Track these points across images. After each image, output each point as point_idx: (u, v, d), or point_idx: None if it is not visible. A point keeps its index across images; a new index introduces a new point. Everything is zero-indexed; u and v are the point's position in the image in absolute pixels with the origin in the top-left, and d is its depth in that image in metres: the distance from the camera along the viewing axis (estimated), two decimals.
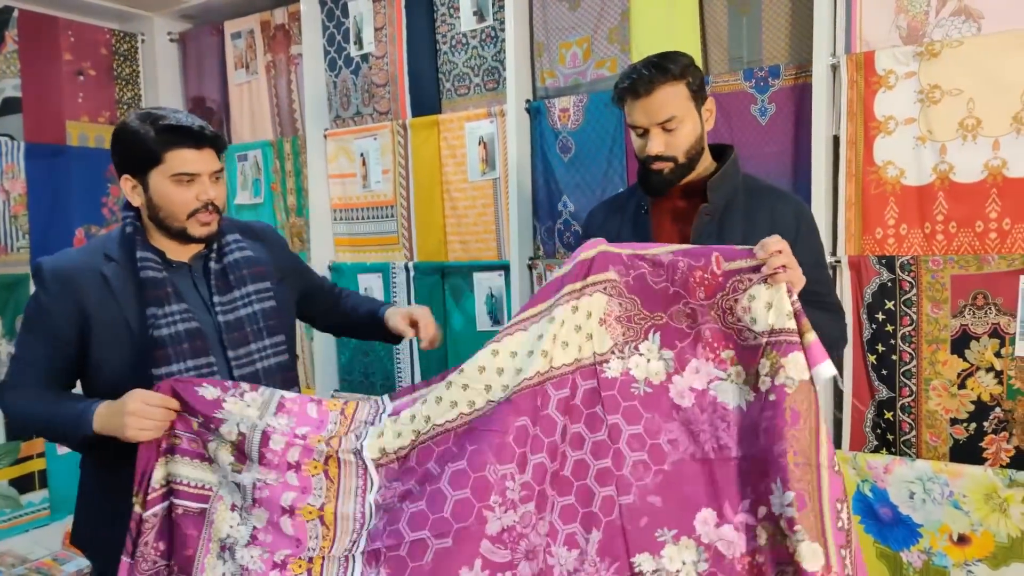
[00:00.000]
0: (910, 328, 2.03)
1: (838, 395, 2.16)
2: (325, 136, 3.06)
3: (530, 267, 2.58)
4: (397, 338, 1.71)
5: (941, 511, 1.98)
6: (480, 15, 2.68)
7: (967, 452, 1.98)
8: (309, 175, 3.08)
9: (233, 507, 1.31)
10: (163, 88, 3.53)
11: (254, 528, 1.29)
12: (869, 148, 2.07)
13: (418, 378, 2.86)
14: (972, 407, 1.97)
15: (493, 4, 2.64)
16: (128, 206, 1.48)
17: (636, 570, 1.26)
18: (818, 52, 2.07)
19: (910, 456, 2.05)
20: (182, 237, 1.46)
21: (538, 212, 2.60)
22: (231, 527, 1.30)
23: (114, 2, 3.31)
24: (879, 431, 2.10)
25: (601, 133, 2.43)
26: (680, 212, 1.61)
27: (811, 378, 1.24)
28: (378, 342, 2.77)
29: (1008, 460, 1.94)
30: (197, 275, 1.51)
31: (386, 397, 1.45)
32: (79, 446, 1.43)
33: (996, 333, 1.93)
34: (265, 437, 1.30)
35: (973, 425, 1.97)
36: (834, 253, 2.12)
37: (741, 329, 1.30)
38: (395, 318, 1.67)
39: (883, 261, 2.05)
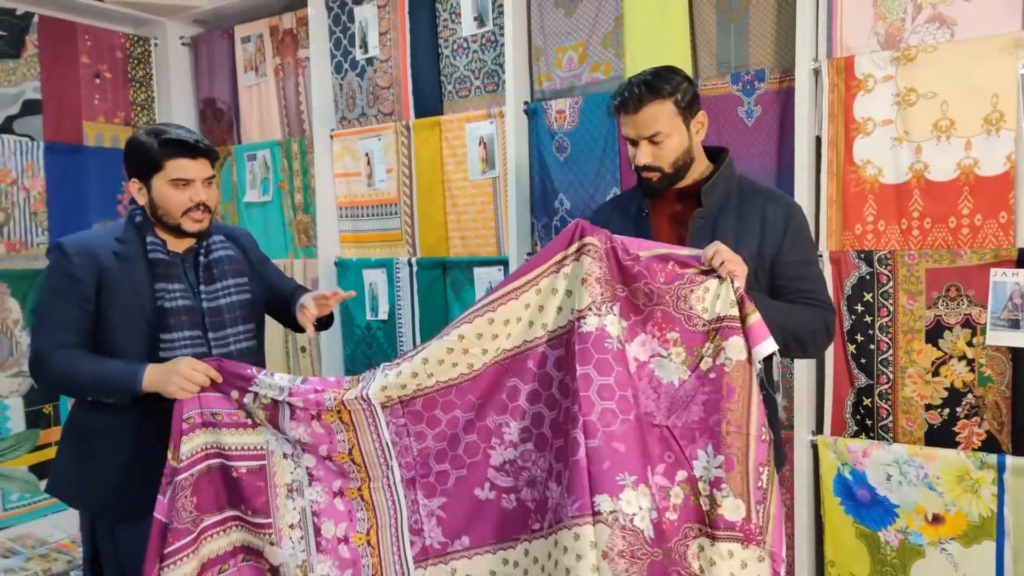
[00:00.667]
0: (887, 319, 2.14)
1: (820, 383, 2.27)
2: (331, 136, 3.17)
3: None
4: (326, 323, 1.97)
5: (916, 492, 2.08)
6: (480, 20, 2.78)
7: (941, 436, 2.08)
8: (316, 174, 3.17)
9: (285, 455, 1.56)
10: (175, 90, 3.64)
11: (307, 469, 1.55)
12: (849, 148, 2.17)
13: None
14: (946, 394, 2.07)
15: (493, 10, 2.74)
16: (135, 202, 1.74)
17: (596, 509, 1.38)
18: (801, 57, 2.17)
19: (887, 440, 2.15)
20: (178, 231, 1.71)
21: (535, 209, 2.71)
22: (291, 473, 1.56)
23: (129, 8, 3.42)
24: (858, 417, 2.20)
25: (595, 134, 2.54)
26: (677, 215, 1.71)
27: (749, 357, 1.40)
28: (380, 334, 2.91)
29: (979, 444, 2.03)
30: (188, 266, 1.75)
31: (385, 365, 1.62)
32: (121, 399, 1.60)
33: (968, 323, 2.03)
34: (290, 405, 1.52)
35: (947, 411, 2.07)
36: (816, 248, 2.22)
37: (691, 316, 1.46)
38: (297, 314, 1.88)
39: (862, 255, 2.15)
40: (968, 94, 2.00)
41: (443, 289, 2.86)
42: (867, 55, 2.12)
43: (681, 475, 1.45)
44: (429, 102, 2.94)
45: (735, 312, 1.42)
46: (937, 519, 2.07)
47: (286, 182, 3.36)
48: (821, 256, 2.19)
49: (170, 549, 1.46)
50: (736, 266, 1.43)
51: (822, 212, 2.21)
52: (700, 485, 1.42)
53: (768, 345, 1.39)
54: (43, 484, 3.07)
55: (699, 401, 1.44)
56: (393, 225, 3.05)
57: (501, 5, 2.66)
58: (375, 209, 3.10)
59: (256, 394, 1.54)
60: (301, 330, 1.92)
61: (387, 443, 1.56)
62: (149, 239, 1.70)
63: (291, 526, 1.54)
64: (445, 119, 2.86)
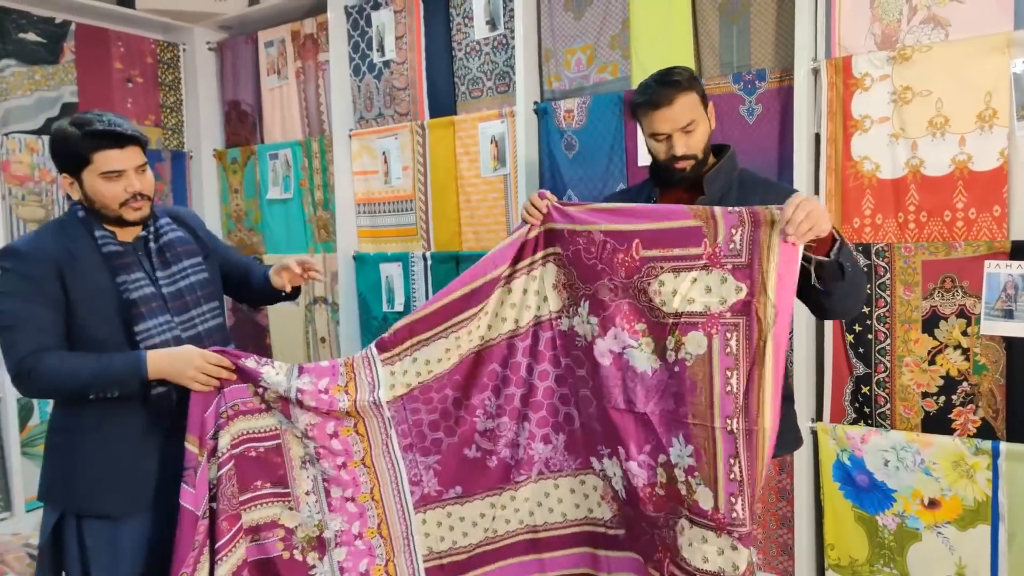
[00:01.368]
0: (884, 309, 2.20)
1: (820, 371, 2.34)
2: (350, 136, 3.28)
3: None
4: (293, 293, 1.93)
5: (913, 477, 2.15)
6: (492, 24, 2.88)
7: (937, 423, 2.14)
8: (335, 172, 3.29)
9: (295, 436, 1.68)
10: (202, 93, 3.79)
11: (315, 447, 1.66)
12: (847, 145, 2.24)
13: None
14: (941, 382, 2.13)
15: (504, 14, 2.84)
16: (69, 197, 1.70)
17: (591, 465, 1.72)
18: (800, 57, 2.24)
19: (885, 427, 2.21)
20: (119, 222, 1.64)
21: None
22: (303, 447, 1.67)
23: (159, 15, 3.58)
24: (856, 404, 2.27)
25: (603, 132, 2.62)
26: (680, 202, 1.77)
27: (710, 348, 1.47)
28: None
29: (974, 430, 2.09)
30: (141, 254, 1.68)
31: (372, 347, 1.73)
32: (128, 390, 1.56)
33: (963, 313, 2.09)
34: (299, 402, 1.63)
35: (942, 398, 2.14)
36: None
37: (652, 308, 1.56)
38: (272, 276, 1.87)
39: (860, 248, 2.22)
40: (962, 92, 2.06)
41: None
42: (864, 55, 2.19)
43: (662, 458, 1.56)
44: (443, 103, 3.04)
45: (694, 308, 1.50)
46: (933, 503, 2.13)
47: (306, 180, 3.48)
48: None
49: (224, 540, 1.55)
50: (812, 223, 1.39)
51: None
52: (676, 471, 1.52)
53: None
54: None
55: (671, 392, 1.54)
56: (409, 221, 3.16)
57: (512, 9, 2.76)
58: (392, 205, 3.21)
59: (266, 389, 1.63)
60: (264, 302, 1.91)
61: (388, 419, 1.72)
62: (98, 233, 1.62)
63: (306, 492, 1.68)
64: (459, 119, 2.96)
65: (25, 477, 3.02)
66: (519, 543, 1.77)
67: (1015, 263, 1.99)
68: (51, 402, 1.71)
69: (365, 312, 3.24)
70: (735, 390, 1.44)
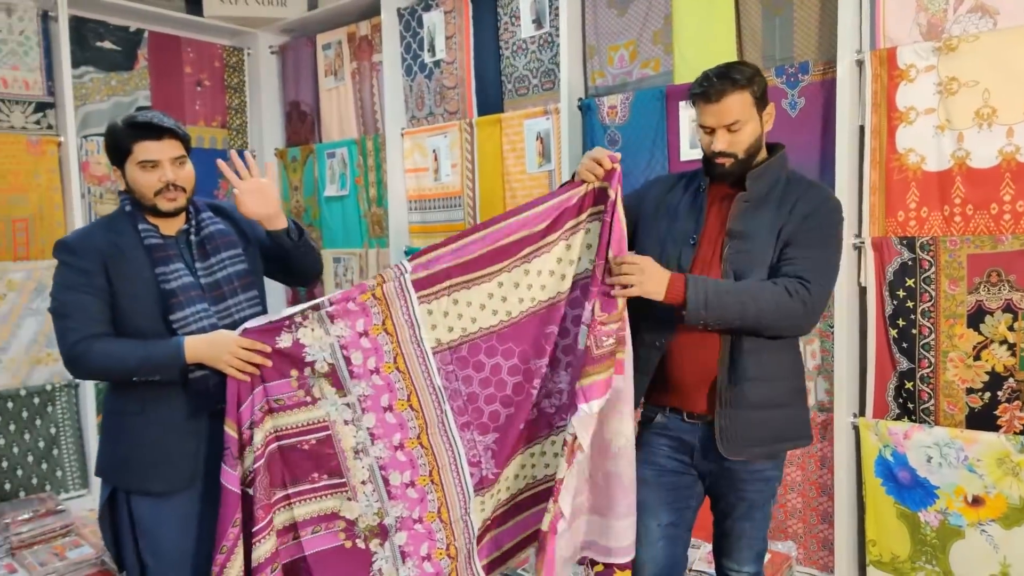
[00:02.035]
0: (929, 304, 2.18)
1: (863, 366, 2.32)
2: (402, 134, 3.40)
3: None
4: (297, 236, 1.89)
5: (956, 474, 2.12)
6: (539, 22, 2.94)
7: (982, 420, 2.11)
8: (388, 170, 3.41)
9: (346, 423, 1.68)
10: (265, 95, 3.98)
11: (368, 429, 1.68)
12: (892, 137, 2.21)
13: None
14: (987, 377, 2.10)
15: (550, 12, 2.90)
16: (122, 191, 1.80)
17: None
18: (843, 49, 2.23)
19: (928, 423, 2.19)
20: (156, 212, 1.72)
21: None
22: (353, 437, 1.68)
23: (226, 21, 3.77)
24: (900, 400, 2.25)
25: (645, 127, 2.66)
26: (725, 196, 1.77)
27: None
28: None
29: (1021, 427, 2.05)
30: (183, 246, 1.77)
31: (405, 261, 1.71)
32: (168, 375, 1.65)
33: (1009, 308, 2.05)
34: (346, 359, 1.65)
35: (988, 394, 2.10)
36: (859, 235, 2.28)
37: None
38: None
39: (904, 242, 2.19)
40: (1010, 82, 2.02)
41: None
42: (910, 46, 2.16)
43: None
44: (491, 100, 3.12)
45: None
46: (977, 501, 2.10)
47: (362, 177, 3.62)
48: (864, 242, 2.25)
49: (260, 525, 1.60)
50: (634, 284, 1.56)
51: (865, 199, 2.26)
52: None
53: (590, 407, 1.55)
54: None
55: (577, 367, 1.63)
56: (457, 216, 3.25)
57: (557, 7, 2.82)
58: (441, 202, 3.31)
59: (313, 364, 1.65)
60: (295, 268, 1.92)
61: (439, 388, 1.71)
62: (142, 227, 1.72)
63: (363, 482, 1.68)
64: (505, 116, 3.04)
65: None
66: (544, 491, 1.81)
67: None
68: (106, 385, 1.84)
69: None
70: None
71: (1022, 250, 2.01)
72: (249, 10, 3.75)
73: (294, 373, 1.66)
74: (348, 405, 1.68)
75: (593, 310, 1.60)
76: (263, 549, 1.60)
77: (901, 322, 2.22)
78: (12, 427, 3.04)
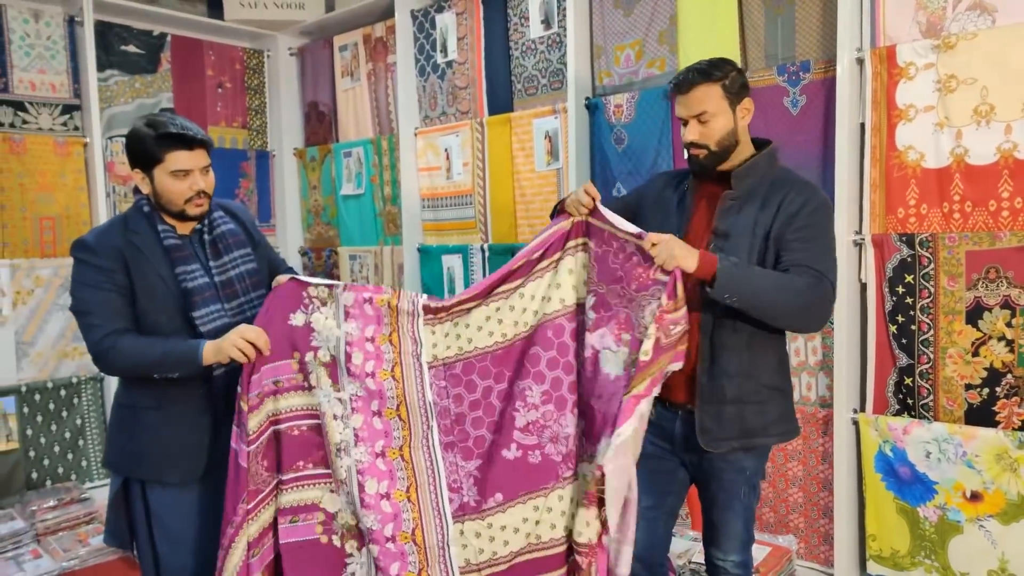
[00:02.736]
0: (928, 300, 2.19)
1: (863, 362, 2.34)
2: (415, 134, 3.46)
3: None
4: None
5: (955, 470, 2.13)
6: (547, 23, 2.99)
7: (980, 415, 2.11)
8: (402, 168, 3.48)
9: (335, 417, 1.70)
10: (284, 96, 4.07)
11: (354, 430, 1.69)
12: (892, 134, 2.23)
13: None
14: (985, 373, 2.11)
15: (558, 12, 2.94)
16: (137, 191, 1.85)
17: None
18: (843, 47, 2.25)
19: (927, 419, 2.20)
20: (181, 217, 1.79)
21: None
22: (339, 434, 1.69)
23: (246, 25, 3.87)
24: (900, 396, 2.26)
25: (651, 126, 2.69)
26: (713, 194, 1.82)
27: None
28: None
29: (1019, 423, 2.06)
30: (196, 246, 1.83)
31: (422, 296, 1.78)
32: (187, 372, 1.71)
33: (1007, 304, 2.06)
34: (348, 356, 1.71)
35: (986, 390, 2.11)
36: (859, 231, 2.30)
37: (640, 324, 1.62)
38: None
39: (904, 238, 2.21)
40: (1008, 79, 2.02)
41: None
42: (909, 44, 2.17)
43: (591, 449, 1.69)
44: (501, 100, 3.18)
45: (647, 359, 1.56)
46: (975, 496, 2.11)
47: (377, 176, 3.69)
48: (864, 239, 2.26)
49: (251, 505, 1.65)
50: (666, 261, 1.57)
51: (865, 196, 2.28)
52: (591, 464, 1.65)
53: (624, 429, 1.52)
54: None
55: (619, 398, 1.59)
56: (468, 214, 3.31)
57: (565, 7, 2.86)
58: (453, 200, 3.37)
59: (317, 351, 1.71)
60: None
61: (430, 403, 1.74)
62: (160, 227, 1.77)
63: (342, 481, 1.68)
64: (515, 115, 3.09)
65: None
66: (562, 553, 1.72)
67: None
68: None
69: None
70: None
71: (1020, 247, 2.02)
72: (268, 13, 3.85)
73: (296, 355, 1.71)
74: (340, 401, 1.71)
75: (661, 301, 1.56)
76: (258, 524, 1.66)
77: (900, 318, 2.24)
78: (40, 419, 3.16)
